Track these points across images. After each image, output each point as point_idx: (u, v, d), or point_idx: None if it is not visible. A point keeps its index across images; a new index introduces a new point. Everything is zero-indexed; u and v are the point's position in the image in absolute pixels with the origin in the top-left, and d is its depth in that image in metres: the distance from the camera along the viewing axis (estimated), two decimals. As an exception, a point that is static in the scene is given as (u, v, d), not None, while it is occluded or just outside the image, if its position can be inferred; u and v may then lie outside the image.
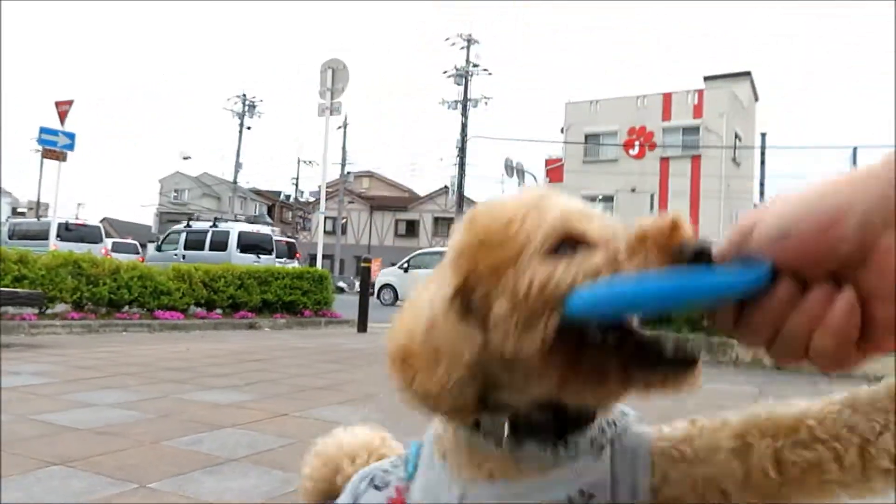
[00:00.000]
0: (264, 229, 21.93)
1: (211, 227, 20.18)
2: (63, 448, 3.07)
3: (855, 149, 29.95)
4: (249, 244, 19.67)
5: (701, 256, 0.57)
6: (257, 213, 57.81)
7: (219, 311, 10.84)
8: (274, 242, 20.97)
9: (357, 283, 14.80)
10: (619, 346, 0.63)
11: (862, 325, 0.49)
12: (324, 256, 16.11)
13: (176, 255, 19.06)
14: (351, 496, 0.90)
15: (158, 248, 20.77)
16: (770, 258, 0.52)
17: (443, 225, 48.79)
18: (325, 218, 17.56)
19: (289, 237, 35.12)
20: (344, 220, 46.49)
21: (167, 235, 21.34)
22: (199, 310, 10.62)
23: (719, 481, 0.67)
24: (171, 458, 3.01)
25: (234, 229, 19.84)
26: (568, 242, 0.63)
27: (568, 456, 0.70)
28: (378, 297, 20.96)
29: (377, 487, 0.87)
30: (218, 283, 10.84)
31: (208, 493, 2.56)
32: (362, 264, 11.07)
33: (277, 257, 22.59)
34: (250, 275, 11.41)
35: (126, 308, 9.61)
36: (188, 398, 4.40)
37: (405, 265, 21.98)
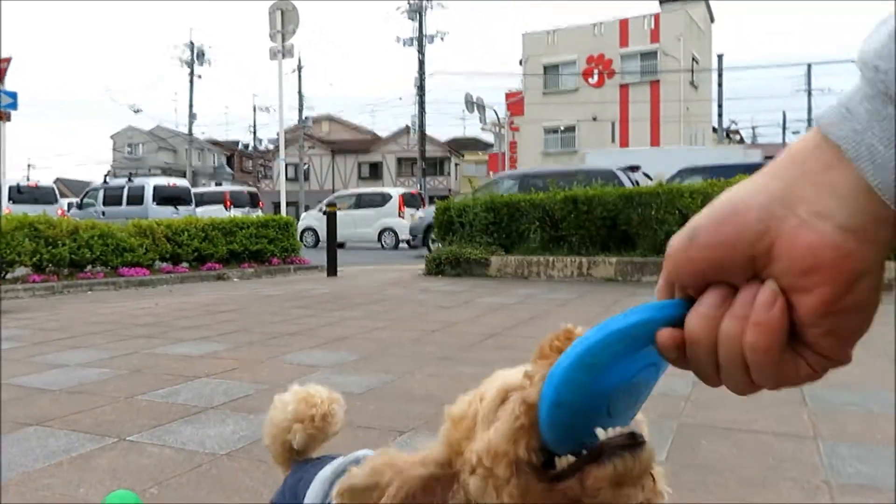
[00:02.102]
0: (181, 181, 22.36)
1: (127, 182, 20.55)
2: (38, 409, 3.06)
3: (809, 66, 30.20)
4: (166, 197, 20.02)
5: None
6: (216, 165, 56.72)
7: (185, 264, 10.72)
8: (192, 194, 21.35)
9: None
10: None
11: (793, 326, 0.45)
12: (288, 204, 15.93)
13: (96, 211, 19.46)
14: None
15: (80, 206, 20.95)
16: (683, 273, 0.49)
17: (406, 165, 48.34)
18: (286, 165, 17.30)
19: (251, 186, 34.64)
20: (306, 166, 45.83)
21: (86, 193, 21.69)
22: (164, 265, 10.49)
23: None
24: (147, 411, 3.03)
25: (149, 183, 20.22)
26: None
27: None
28: (301, 239, 21.11)
29: None
30: (181, 236, 10.69)
31: (188, 441, 2.60)
32: (327, 208, 11.00)
33: (239, 207, 22.56)
34: (214, 226, 11.27)
35: (89, 267, 9.45)
36: (160, 352, 4.40)
37: (323, 209, 21.96)
